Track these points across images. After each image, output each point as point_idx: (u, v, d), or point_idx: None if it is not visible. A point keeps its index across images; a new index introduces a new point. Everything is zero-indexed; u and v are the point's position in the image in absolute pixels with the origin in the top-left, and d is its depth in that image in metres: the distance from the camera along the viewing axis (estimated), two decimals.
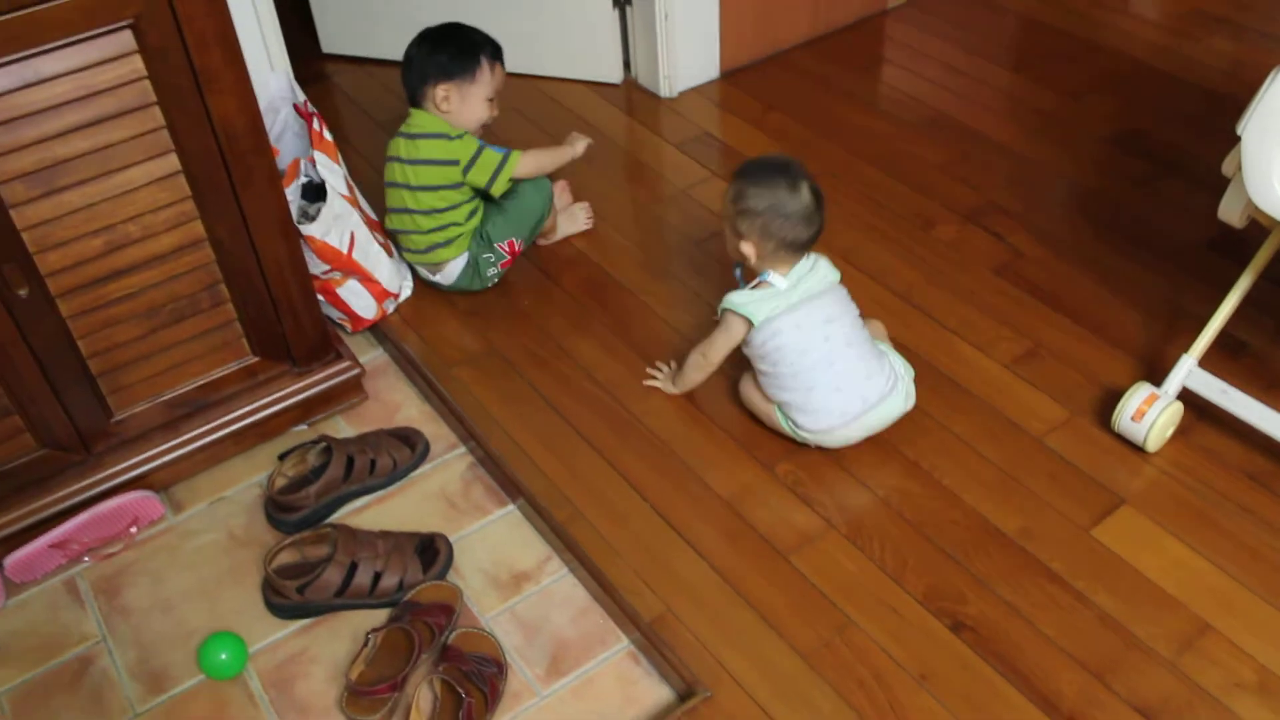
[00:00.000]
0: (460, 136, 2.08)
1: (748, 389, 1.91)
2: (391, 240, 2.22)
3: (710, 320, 2.10)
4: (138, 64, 1.56)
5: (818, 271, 1.83)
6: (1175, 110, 2.60)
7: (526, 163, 2.14)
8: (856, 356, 1.80)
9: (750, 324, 1.80)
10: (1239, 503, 1.75)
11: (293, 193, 1.98)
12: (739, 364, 1.92)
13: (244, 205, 1.74)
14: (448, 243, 2.14)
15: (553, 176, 2.26)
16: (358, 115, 2.73)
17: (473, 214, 2.15)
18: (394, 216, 2.16)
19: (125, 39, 1.53)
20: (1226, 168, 1.66)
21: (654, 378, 2.01)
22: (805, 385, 1.79)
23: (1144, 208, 2.32)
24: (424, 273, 2.22)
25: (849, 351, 1.80)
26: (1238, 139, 1.62)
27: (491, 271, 2.18)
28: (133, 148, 1.62)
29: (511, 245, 2.18)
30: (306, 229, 1.92)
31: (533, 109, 2.73)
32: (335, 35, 2.93)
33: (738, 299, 1.82)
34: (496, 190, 2.11)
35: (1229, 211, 1.68)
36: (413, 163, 2.08)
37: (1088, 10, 3.00)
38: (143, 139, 1.62)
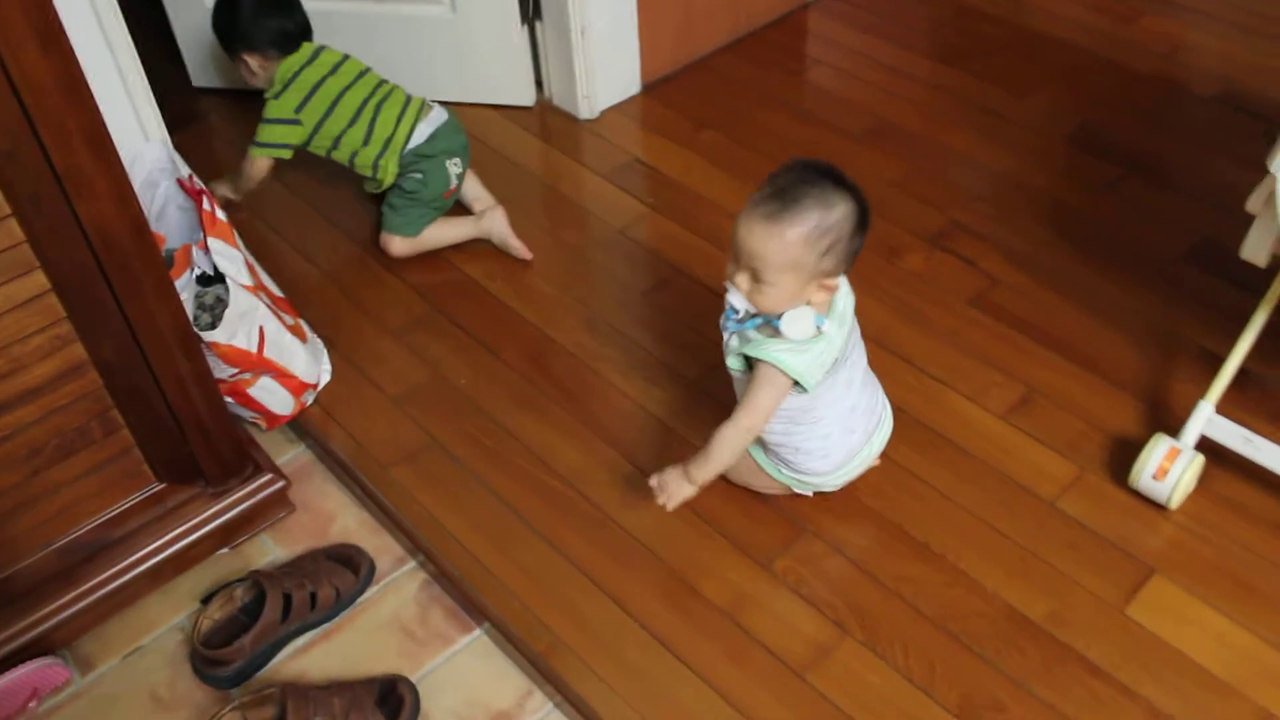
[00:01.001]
0: None
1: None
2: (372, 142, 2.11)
3: (679, 385, 1.88)
4: None
5: (844, 290, 1.56)
6: (1124, 101, 2.46)
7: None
8: (870, 394, 1.64)
9: (798, 386, 1.49)
10: (1271, 559, 1.61)
11: (184, 285, 1.70)
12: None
13: (132, 320, 1.46)
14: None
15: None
16: (241, 162, 2.42)
17: None
18: (367, 113, 2.12)
19: None
20: (1252, 205, 1.51)
21: (660, 494, 1.58)
22: (823, 433, 1.59)
23: (1113, 215, 2.18)
24: (423, 130, 2.12)
25: (864, 393, 1.63)
26: (1260, 167, 1.47)
27: None
28: None
29: None
30: (209, 336, 1.64)
31: None
32: (206, 68, 2.61)
33: (793, 361, 1.46)
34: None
35: (1255, 251, 1.54)
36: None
37: None
38: None
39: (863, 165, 2.30)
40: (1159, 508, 1.68)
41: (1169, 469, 1.63)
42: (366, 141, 2.10)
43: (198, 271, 1.72)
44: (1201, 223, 2.13)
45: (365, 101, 2.11)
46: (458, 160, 2.15)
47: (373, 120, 2.10)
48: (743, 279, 1.46)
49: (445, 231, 2.19)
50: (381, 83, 2.15)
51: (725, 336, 1.57)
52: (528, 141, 2.45)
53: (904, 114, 2.46)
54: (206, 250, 1.69)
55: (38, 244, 1.35)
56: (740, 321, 1.53)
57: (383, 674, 1.58)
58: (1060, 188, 2.26)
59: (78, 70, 1.27)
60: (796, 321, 1.47)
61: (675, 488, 1.57)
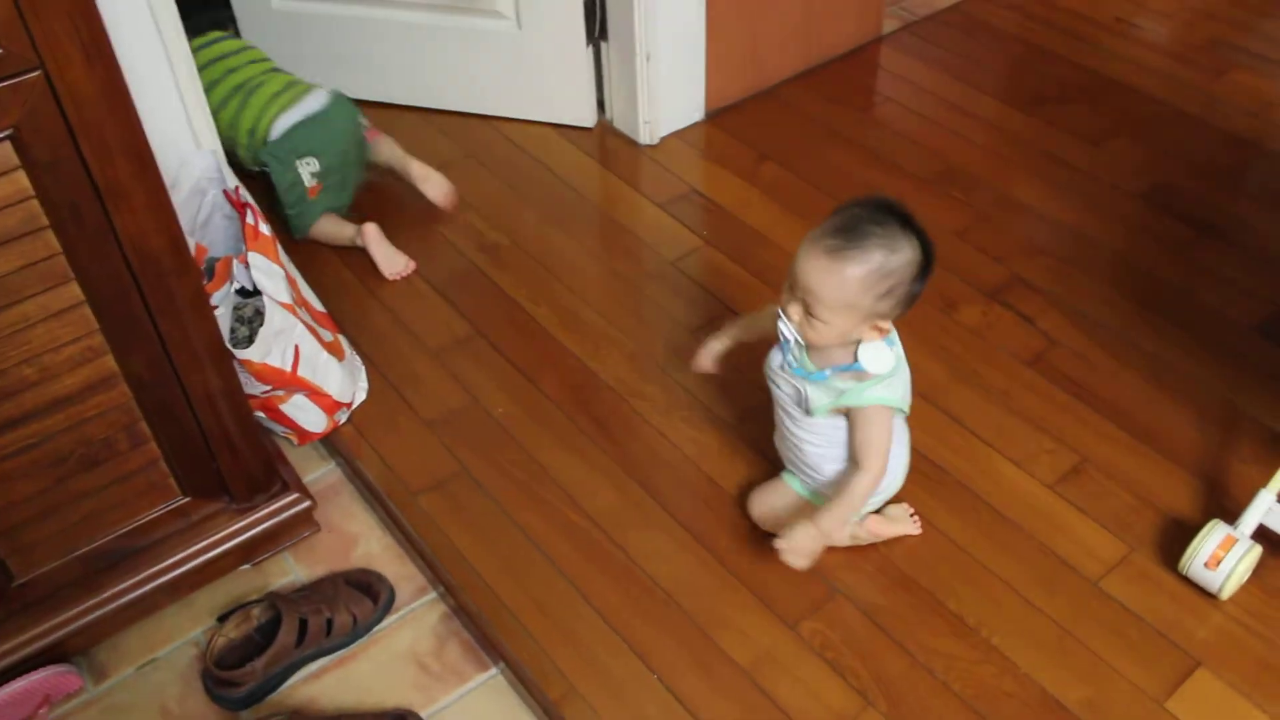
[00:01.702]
0: None
1: (780, 495, 1.65)
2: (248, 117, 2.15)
3: (717, 428, 1.84)
4: (21, 182, 1.25)
5: None
6: (1205, 159, 2.37)
7: None
8: None
9: (900, 414, 1.50)
10: None
11: (223, 297, 1.69)
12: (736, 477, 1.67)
13: (164, 335, 1.45)
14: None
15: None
16: None
17: None
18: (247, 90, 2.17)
19: (3, 153, 1.23)
20: None
21: (792, 556, 1.50)
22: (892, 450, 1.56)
23: (1183, 280, 2.09)
24: (280, 125, 2.12)
25: None
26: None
27: None
28: (22, 279, 1.31)
29: None
30: (243, 354, 1.63)
31: (491, 155, 2.43)
32: None
33: (892, 394, 1.46)
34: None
35: None
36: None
37: (1096, 36, 2.76)
38: (34, 268, 1.32)
39: (925, 211, 2.19)
40: (1209, 597, 1.60)
41: (1223, 558, 1.55)
42: (233, 126, 2.15)
43: (237, 285, 1.70)
44: (1277, 294, 2.04)
45: (241, 85, 2.16)
46: (313, 160, 2.13)
47: (241, 106, 2.14)
48: (795, 310, 1.43)
49: (335, 231, 2.21)
50: (266, 71, 2.20)
51: (789, 379, 1.52)
52: (585, 164, 2.41)
53: (972, 159, 2.39)
54: (247, 265, 1.68)
55: (73, 256, 1.33)
56: (809, 371, 1.49)
57: (393, 708, 1.55)
58: (1129, 247, 2.17)
59: (121, 83, 1.25)
60: (878, 356, 1.44)
61: (809, 545, 1.50)
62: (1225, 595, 1.58)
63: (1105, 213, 2.25)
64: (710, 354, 1.71)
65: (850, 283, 1.37)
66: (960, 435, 1.82)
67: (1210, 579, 1.57)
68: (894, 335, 1.49)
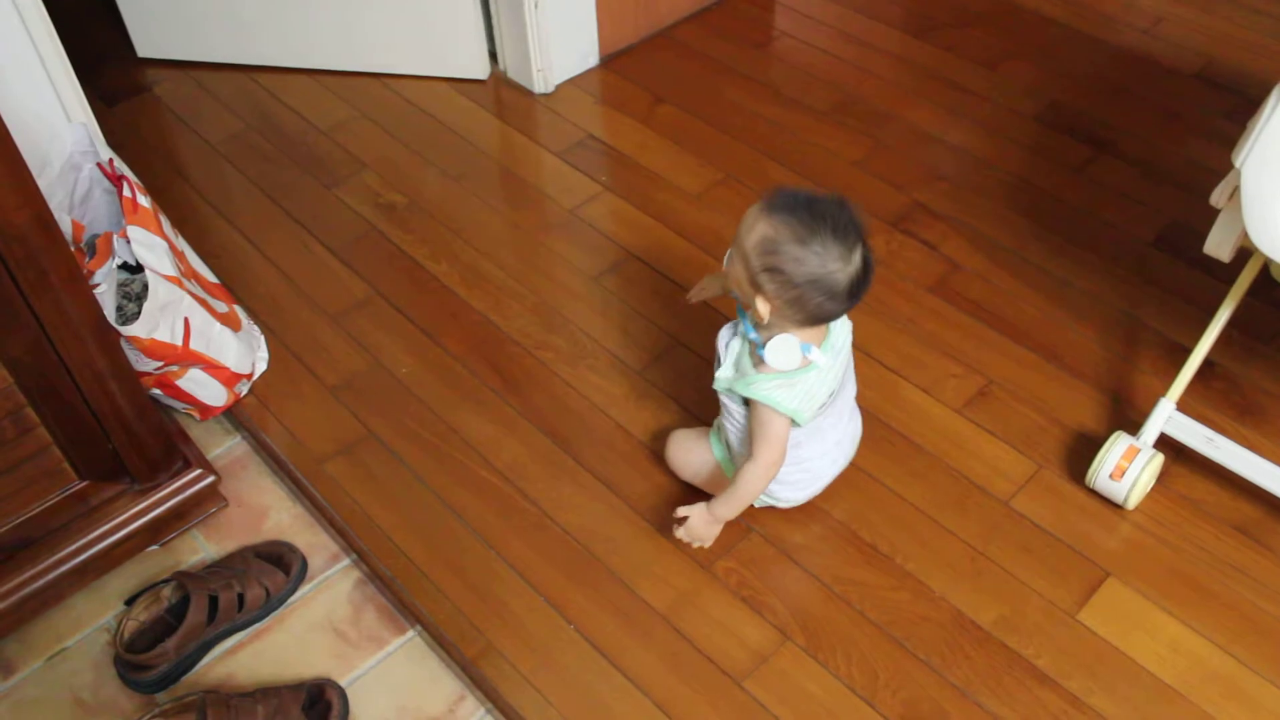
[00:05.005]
0: None
1: (696, 451, 1.64)
2: None
3: (623, 375, 1.82)
4: None
5: (843, 322, 1.48)
6: (1099, 77, 2.38)
7: None
8: (853, 425, 1.60)
9: (794, 424, 1.45)
10: (1229, 561, 1.56)
11: (106, 274, 1.63)
12: (656, 426, 1.66)
13: (41, 315, 1.39)
14: None
15: None
16: (186, 136, 2.34)
17: None
18: None
19: None
20: (1216, 199, 1.44)
21: (690, 540, 1.55)
22: (806, 466, 1.54)
23: (1080, 198, 2.10)
24: None
25: (849, 425, 1.58)
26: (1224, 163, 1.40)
27: None
28: None
29: None
30: (129, 330, 1.57)
31: (385, 114, 2.38)
32: (152, 36, 2.50)
33: (783, 397, 1.41)
34: None
35: (1219, 246, 1.47)
36: None
37: None
38: None
39: (825, 143, 2.23)
40: (1116, 508, 1.62)
41: (1126, 468, 1.57)
42: None
43: (119, 261, 1.65)
44: (1173, 206, 2.07)
45: None
46: None
47: None
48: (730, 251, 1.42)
49: None
50: None
51: (721, 348, 1.51)
52: (481, 117, 2.37)
53: (871, 89, 2.38)
54: (128, 239, 1.62)
55: None
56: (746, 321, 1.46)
57: (311, 678, 1.53)
58: (1028, 168, 2.18)
59: None
60: (780, 351, 1.39)
61: (705, 531, 1.54)
62: (1131, 505, 1.61)
63: (1003, 135, 2.26)
64: (699, 294, 1.69)
65: (751, 235, 1.35)
66: (866, 364, 1.82)
67: (1116, 490, 1.59)
68: (829, 347, 1.43)
